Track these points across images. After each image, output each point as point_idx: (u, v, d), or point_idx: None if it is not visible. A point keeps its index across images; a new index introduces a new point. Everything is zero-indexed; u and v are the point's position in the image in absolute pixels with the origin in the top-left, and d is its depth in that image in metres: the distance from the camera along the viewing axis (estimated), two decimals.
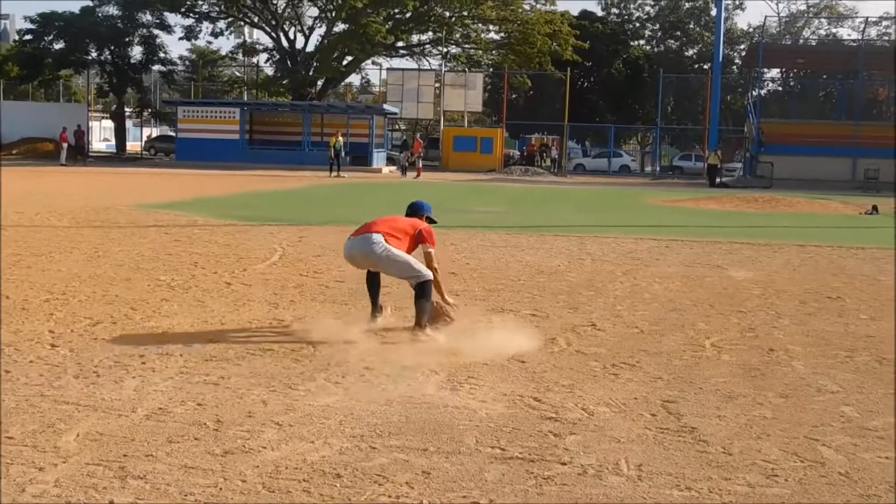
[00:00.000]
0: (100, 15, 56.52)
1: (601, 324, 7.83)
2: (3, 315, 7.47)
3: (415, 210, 7.78)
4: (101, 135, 72.36)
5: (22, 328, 7.01)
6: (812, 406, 5.48)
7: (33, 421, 4.77)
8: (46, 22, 55.81)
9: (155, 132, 73.99)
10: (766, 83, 64.96)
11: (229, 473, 4.10)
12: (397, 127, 62.82)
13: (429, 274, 7.17)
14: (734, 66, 66.89)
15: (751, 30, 71.17)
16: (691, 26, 71.30)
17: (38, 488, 3.87)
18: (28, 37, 57.72)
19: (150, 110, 67.96)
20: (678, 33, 71.95)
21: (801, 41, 67.49)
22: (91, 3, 56.44)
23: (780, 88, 71.33)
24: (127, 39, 57.79)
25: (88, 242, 12.53)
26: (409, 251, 7.27)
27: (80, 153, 44.57)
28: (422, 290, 7.06)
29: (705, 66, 62.74)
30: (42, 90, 70.58)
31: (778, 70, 67.18)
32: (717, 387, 5.85)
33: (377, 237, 7.12)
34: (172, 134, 54.57)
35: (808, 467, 4.41)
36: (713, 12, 59.66)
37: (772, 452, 4.60)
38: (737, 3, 71.39)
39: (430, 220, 7.74)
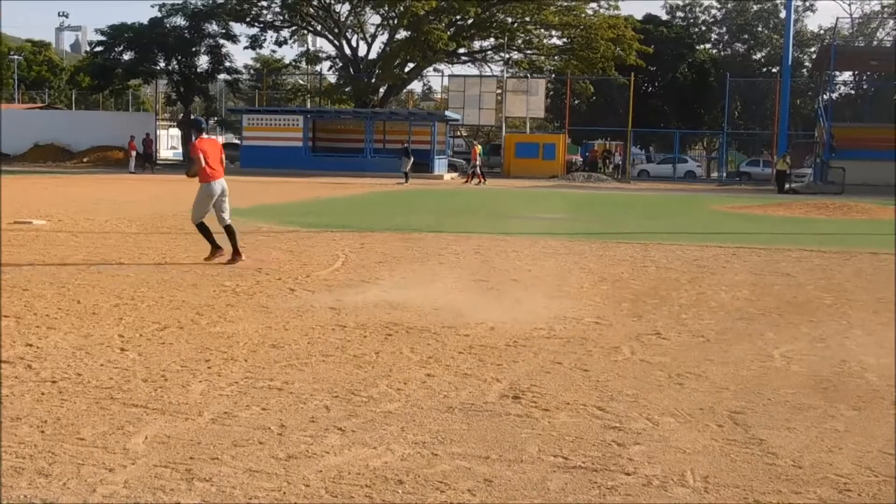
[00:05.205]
0: (168, 26, 57.60)
1: (666, 332, 7.73)
2: (74, 319, 7.63)
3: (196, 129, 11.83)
4: (168, 143, 73.75)
5: (93, 332, 7.15)
6: (886, 419, 5.34)
7: (103, 423, 4.86)
8: (117, 34, 57.08)
9: (220, 140, 75.06)
10: (837, 86, 63.66)
11: (293, 477, 4.13)
12: (459, 133, 62.89)
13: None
14: (804, 70, 65.77)
15: (822, 32, 70.03)
16: (759, 29, 70.26)
17: (108, 489, 3.94)
18: (99, 48, 59.09)
19: (215, 118, 69.07)
20: (746, 36, 70.97)
21: (874, 43, 66.07)
22: (159, 15, 57.57)
23: (852, 91, 69.90)
24: (194, 49, 58.80)
25: (156, 249, 12.74)
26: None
27: (147, 161, 45.40)
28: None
29: (774, 70, 61.78)
30: (112, 100, 72.19)
31: (850, 73, 65.91)
32: (787, 398, 5.73)
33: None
34: (237, 142, 55.35)
35: (882, 482, 4.30)
36: (782, 14, 58.83)
37: (844, 466, 4.50)
38: (807, 4, 70.26)
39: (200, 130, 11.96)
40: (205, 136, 11.71)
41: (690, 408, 5.46)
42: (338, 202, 25.32)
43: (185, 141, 61.89)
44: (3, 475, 4.08)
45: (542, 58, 58.22)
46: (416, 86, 73.81)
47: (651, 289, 10.16)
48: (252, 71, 72.28)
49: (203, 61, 60.40)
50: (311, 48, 64.85)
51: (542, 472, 4.28)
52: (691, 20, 71.14)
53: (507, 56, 55.78)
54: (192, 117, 14.58)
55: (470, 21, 54.49)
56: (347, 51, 57.90)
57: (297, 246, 13.46)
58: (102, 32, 57.84)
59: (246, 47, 60.39)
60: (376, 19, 58.23)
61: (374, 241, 14.20)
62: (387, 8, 53.71)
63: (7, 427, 4.75)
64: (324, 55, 63.40)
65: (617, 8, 56.51)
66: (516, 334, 7.46)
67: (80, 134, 50.95)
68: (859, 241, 16.85)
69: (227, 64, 61.22)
